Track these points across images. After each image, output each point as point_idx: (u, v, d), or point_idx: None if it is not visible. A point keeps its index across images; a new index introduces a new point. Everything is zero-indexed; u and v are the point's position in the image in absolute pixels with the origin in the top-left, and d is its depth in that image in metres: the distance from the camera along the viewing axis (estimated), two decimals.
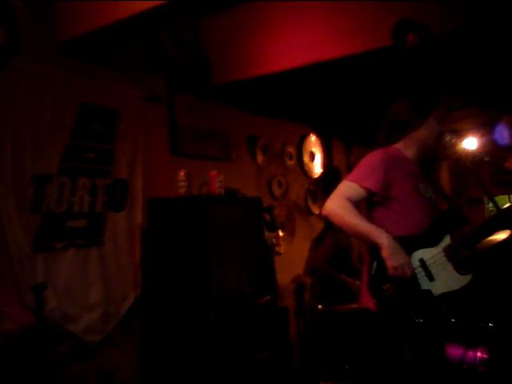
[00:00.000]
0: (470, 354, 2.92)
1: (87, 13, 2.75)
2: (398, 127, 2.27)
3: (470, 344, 2.92)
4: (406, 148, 2.28)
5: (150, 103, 3.43)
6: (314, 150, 5.40)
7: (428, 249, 2.10)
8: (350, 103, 4.82)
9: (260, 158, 4.62)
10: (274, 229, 4.04)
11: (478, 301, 3.20)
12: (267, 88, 4.05)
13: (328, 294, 4.52)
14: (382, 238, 2.04)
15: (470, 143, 2.47)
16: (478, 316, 3.08)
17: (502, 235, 3.37)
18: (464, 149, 2.36)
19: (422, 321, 2.00)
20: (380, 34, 2.96)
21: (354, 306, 4.25)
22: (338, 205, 2.11)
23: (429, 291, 2.04)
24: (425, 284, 2.06)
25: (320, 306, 4.45)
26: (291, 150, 5.09)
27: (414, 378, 2.10)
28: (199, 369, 2.93)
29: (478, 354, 2.92)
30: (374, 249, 2.09)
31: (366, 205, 2.24)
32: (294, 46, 3.35)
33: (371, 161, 2.19)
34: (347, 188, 2.15)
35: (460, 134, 2.41)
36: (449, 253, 2.10)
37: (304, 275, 5.01)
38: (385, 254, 2.03)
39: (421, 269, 2.08)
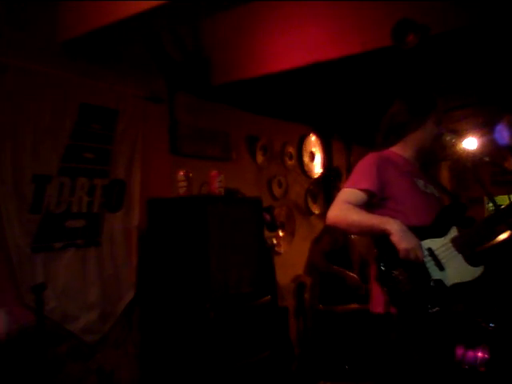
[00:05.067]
0: (471, 353, 2.92)
1: (87, 12, 2.75)
2: (396, 130, 2.29)
3: (470, 344, 2.92)
4: (402, 150, 2.29)
5: (150, 103, 3.43)
6: (314, 149, 5.40)
7: (436, 239, 2.08)
8: (350, 103, 4.82)
9: (260, 158, 4.61)
10: (274, 229, 4.04)
11: (479, 301, 3.20)
12: (267, 88, 4.05)
13: (328, 294, 4.52)
14: (390, 224, 2.01)
15: (470, 143, 2.48)
16: (479, 316, 3.08)
17: (501, 235, 3.36)
18: (464, 149, 2.36)
19: (437, 309, 1.95)
20: (380, 34, 2.96)
21: (354, 305, 4.25)
22: (339, 209, 2.11)
23: (440, 281, 2.00)
24: (435, 273, 2.02)
25: (320, 306, 4.46)
26: (291, 150, 5.08)
27: (419, 377, 2.06)
28: (199, 369, 2.93)
29: (479, 354, 2.91)
30: (381, 239, 2.04)
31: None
32: (294, 46, 3.35)
33: (363, 164, 2.21)
34: (345, 194, 2.16)
35: (460, 134, 2.42)
36: (457, 243, 2.08)
37: (304, 275, 5.01)
38: (395, 238, 1.99)
39: (430, 258, 2.04)
